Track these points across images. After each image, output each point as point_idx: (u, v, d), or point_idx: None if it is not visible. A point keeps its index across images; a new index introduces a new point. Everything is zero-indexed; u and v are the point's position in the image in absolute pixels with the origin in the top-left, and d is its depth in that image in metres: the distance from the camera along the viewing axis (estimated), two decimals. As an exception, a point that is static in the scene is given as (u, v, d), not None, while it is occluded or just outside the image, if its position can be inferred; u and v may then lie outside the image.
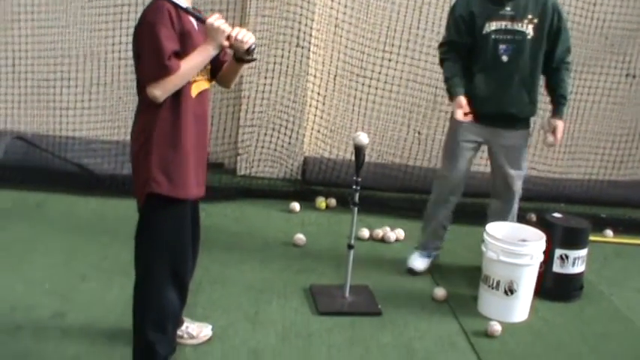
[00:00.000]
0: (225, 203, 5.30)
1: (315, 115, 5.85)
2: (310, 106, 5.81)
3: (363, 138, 3.70)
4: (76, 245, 4.37)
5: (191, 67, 2.79)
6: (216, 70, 3.06)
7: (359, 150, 3.72)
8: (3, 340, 3.29)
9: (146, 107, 2.84)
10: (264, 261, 4.38)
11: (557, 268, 4.11)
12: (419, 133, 5.97)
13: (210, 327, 3.46)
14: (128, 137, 2.96)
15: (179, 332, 3.35)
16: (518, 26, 3.89)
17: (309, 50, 5.63)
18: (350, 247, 3.88)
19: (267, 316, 3.70)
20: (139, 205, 2.94)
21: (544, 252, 3.92)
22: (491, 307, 3.89)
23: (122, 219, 4.67)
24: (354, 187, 3.78)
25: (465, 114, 3.90)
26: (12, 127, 5.72)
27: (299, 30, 5.55)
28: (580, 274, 4.19)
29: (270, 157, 5.85)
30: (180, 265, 3.01)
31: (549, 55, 3.97)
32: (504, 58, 3.93)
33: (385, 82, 5.76)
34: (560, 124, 4.06)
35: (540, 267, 3.94)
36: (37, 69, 5.69)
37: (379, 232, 4.89)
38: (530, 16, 3.89)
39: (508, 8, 3.90)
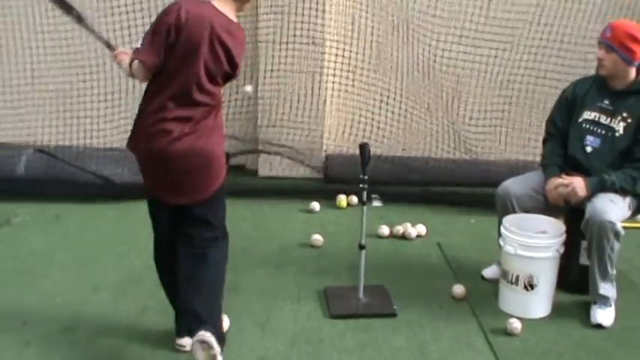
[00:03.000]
0: (245, 206, 5.24)
1: (334, 111, 5.74)
2: (325, 105, 5.69)
3: (249, 88, 3.67)
4: (91, 257, 4.36)
5: None
6: None
7: (363, 148, 3.62)
8: (9, 357, 3.27)
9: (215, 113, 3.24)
10: (280, 264, 4.31)
11: (583, 260, 3.92)
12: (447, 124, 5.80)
13: (227, 320, 3.52)
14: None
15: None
16: (609, 121, 3.77)
17: (319, 47, 5.52)
18: (361, 247, 3.78)
19: (278, 322, 3.62)
20: None
21: (570, 243, 3.76)
22: (512, 304, 3.74)
23: (140, 226, 4.66)
24: (360, 185, 3.68)
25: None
26: (34, 140, 5.74)
27: (312, 29, 5.46)
28: (608, 265, 4.00)
29: (292, 156, 5.76)
30: (157, 262, 3.38)
31: (629, 152, 3.73)
32: (588, 149, 3.82)
33: (400, 75, 5.61)
34: (578, 180, 3.69)
35: (565, 259, 3.79)
36: (56, 80, 5.71)
37: (399, 229, 4.76)
38: (625, 114, 3.73)
39: (607, 102, 3.79)
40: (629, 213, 3.73)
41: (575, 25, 5.50)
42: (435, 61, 5.62)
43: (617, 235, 3.55)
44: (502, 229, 3.77)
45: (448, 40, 5.58)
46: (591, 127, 3.82)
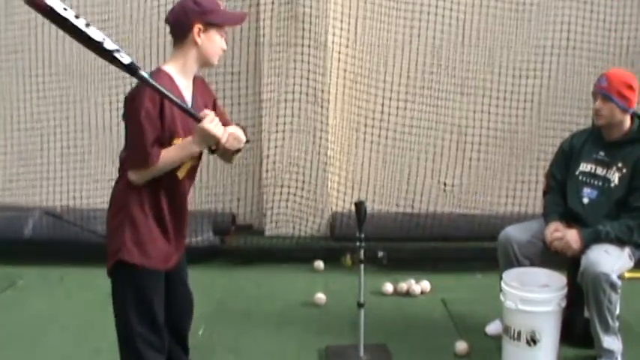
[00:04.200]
0: (250, 266, 5.25)
1: (338, 169, 5.76)
2: (329, 163, 5.70)
3: None
4: (93, 318, 4.34)
5: (171, 161, 2.69)
6: None
7: (359, 206, 3.62)
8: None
9: (124, 178, 2.79)
10: (281, 325, 4.28)
11: (588, 312, 3.87)
12: (445, 184, 5.80)
13: None
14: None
15: None
16: (604, 172, 3.79)
17: (321, 106, 5.57)
18: (360, 305, 3.74)
19: (276, 383, 3.59)
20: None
21: (572, 296, 3.70)
22: (515, 360, 3.68)
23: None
24: (357, 244, 3.67)
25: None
26: (40, 203, 5.81)
27: (314, 87, 5.53)
28: (615, 318, 3.93)
29: (297, 214, 5.76)
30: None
31: (624, 202, 3.71)
32: (585, 201, 3.83)
33: (402, 133, 5.65)
34: (571, 233, 3.70)
35: (568, 312, 3.73)
36: (64, 144, 5.82)
37: (403, 286, 4.72)
38: (620, 165, 3.74)
39: (602, 153, 3.82)
40: (630, 263, 3.68)
41: (577, 80, 5.55)
42: (437, 113, 5.67)
43: (612, 286, 3.49)
44: (502, 284, 3.73)
45: (440, 97, 5.63)
46: (588, 179, 3.82)
